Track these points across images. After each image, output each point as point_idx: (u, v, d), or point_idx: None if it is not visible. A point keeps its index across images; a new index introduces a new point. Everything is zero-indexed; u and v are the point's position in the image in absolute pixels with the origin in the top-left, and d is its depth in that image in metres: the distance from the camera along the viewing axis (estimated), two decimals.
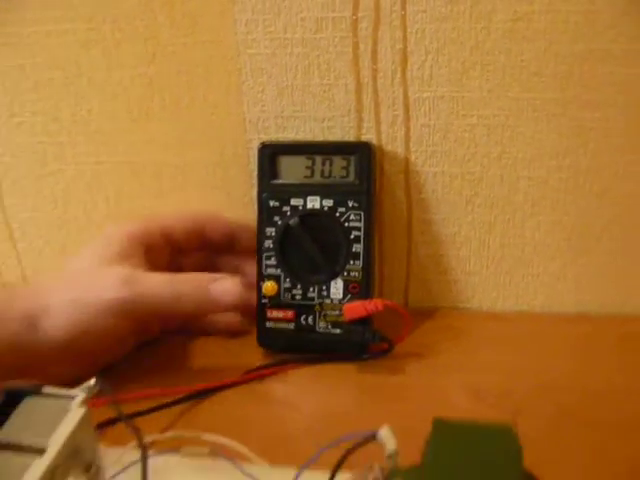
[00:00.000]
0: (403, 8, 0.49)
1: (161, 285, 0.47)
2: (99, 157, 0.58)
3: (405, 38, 0.50)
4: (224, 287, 0.49)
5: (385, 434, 0.31)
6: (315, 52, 0.52)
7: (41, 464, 0.29)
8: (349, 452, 0.32)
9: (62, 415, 0.32)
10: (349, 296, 0.51)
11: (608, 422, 0.44)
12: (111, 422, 0.41)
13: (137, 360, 0.52)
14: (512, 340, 0.54)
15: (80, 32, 0.54)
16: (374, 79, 0.52)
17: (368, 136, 0.53)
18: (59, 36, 0.54)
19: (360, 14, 0.50)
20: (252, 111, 0.54)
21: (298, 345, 0.52)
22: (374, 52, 0.51)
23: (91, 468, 0.32)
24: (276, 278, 0.52)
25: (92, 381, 0.34)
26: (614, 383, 0.48)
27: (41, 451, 0.30)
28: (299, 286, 0.52)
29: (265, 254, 0.52)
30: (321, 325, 0.52)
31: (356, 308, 0.50)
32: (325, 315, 0.52)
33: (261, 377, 0.50)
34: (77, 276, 0.49)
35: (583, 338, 0.54)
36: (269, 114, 0.54)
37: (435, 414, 0.31)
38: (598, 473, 0.40)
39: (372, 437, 0.31)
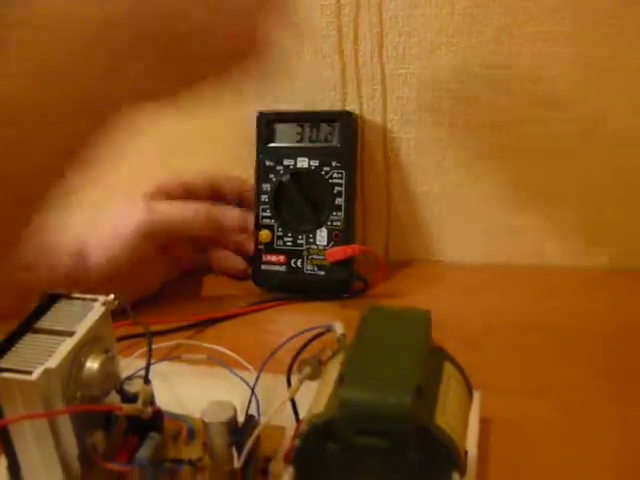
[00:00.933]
0: None
1: (175, 209, 0.58)
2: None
3: (381, 23, 0.59)
4: (231, 213, 0.60)
5: (337, 324, 0.39)
6: (304, 35, 0.60)
7: (70, 342, 0.39)
8: (309, 341, 0.41)
9: (87, 311, 0.41)
10: (332, 243, 0.60)
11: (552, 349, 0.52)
12: (125, 338, 0.51)
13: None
14: (477, 287, 0.62)
15: None
16: (356, 58, 0.60)
17: (351, 107, 0.62)
18: None
19: (343, 2, 0.59)
20: (254, 85, 0.63)
21: (289, 285, 0.61)
22: (355, 35, 0.60)
23: (108, 352, 0.41)
24: (270, 227, 0.61)
25: (111, 296, 0.43)
26: (557, 322, 0.56)
27: (70, 334, 0.39)
28: (290, 234, 0.61)
29: (261, 207, 0.61)
30: (308, 268, 0.61)
31: (337, 252, 0.59)
32: (312, 259, 0.60)
33: (256, 311, 0.60)
34: (109, 210, 0.59)
35: (540, 285, 0.62)
36: (268, 88, 0.63)
37: None
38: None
39: (328, 329, 0.40)
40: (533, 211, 0.63)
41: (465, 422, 0.35)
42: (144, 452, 0.40)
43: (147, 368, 0.40)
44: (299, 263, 0.61)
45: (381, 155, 0.63)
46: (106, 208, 0.59)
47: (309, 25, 0.60)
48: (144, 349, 0.47)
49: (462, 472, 0.32)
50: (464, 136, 0.61)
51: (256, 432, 0.37)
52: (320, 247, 0.60)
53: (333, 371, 0.36)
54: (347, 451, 0.31)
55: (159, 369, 0.48)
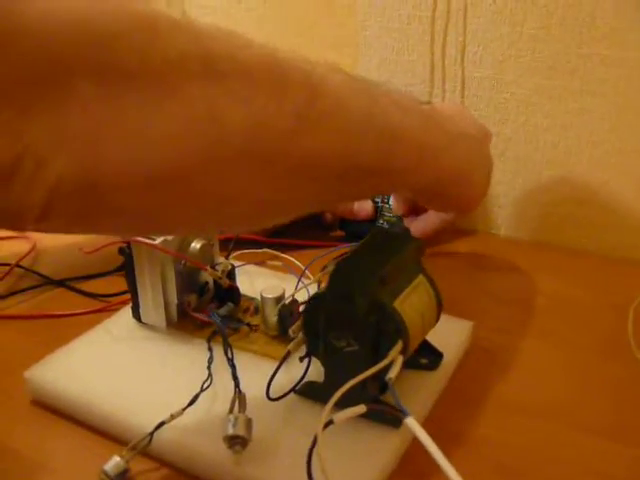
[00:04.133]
0: (465, 14, 0.73)
1: None
2: None
3: (465, 34, 0.73)
4: None
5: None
6: (405, 38, 0.76)
7: None
8: (344, 253, 0.58)
9: None
10: None
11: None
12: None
13: None
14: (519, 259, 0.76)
15: None
16: (443, 60, 0.76)
17: (436, 99, 0.77)
18: None
19: (437, 15, 0.74)
20: (361, 73, 0.80)
21: (362, 232, 0.77)
22: (444, 42, 0.75)
23: (210, 241, 0.59)
24: None
25: None
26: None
27: None
28: None
29: None
30: (380, 221, 0.76)
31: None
32: (383, 215, 0.76)
33: (326, 246, 0.76)
34: None
35: (563, 260, 0.74)
36: (372, 77, 0.80)
37: None
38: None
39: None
40: (574, 204, 0.76)
41: (424, 317, 0.50)
42: (220, 311, 0.58)
43: (228, 254, 0.59)
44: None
45: None
46: None
47: (409, 31, 0.76)
48: (237, 253, 0.66)
49: (405, 344, 0.47)
50: (523, 133, 0.75)
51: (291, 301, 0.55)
52: (391, 207, 0.76)
53: None
54: (334, 312, 0.47)
55: (246, 269, 0.66)
